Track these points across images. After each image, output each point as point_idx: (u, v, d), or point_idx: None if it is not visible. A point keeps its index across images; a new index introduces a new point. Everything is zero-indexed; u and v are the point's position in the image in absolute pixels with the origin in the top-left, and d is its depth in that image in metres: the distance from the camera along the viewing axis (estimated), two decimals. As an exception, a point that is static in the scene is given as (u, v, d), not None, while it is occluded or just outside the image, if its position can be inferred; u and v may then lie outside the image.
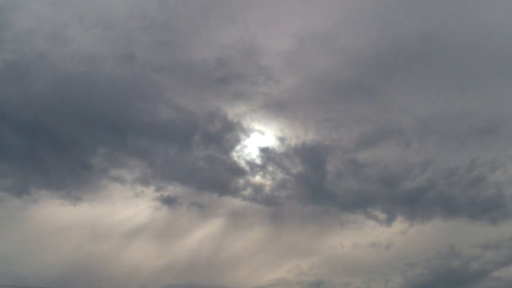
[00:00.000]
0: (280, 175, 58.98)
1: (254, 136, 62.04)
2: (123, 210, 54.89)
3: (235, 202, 58.45)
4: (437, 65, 61.46)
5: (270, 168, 59.53)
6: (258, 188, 58.33)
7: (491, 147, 58.34)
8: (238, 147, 60.83)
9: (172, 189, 57.01)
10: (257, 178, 59.36)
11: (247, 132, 61.00)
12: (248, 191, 58.09)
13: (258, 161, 60.85)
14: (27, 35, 50.67)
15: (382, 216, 56.80)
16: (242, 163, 60.06)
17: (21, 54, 50.09)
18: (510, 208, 54.99)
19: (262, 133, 62.21)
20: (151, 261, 50.48)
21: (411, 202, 56.66)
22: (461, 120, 58.47)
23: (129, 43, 55.36)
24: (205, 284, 52.76)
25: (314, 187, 58.50)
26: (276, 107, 63.25)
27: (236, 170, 57.87)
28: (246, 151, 63.10)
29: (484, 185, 56.03)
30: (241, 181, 58.95)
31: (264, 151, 61.04)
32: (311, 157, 59.18)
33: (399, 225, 56.41)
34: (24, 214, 51.73)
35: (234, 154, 59.00)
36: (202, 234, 56.09)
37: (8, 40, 50.10)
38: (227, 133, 58.76)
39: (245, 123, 60.68)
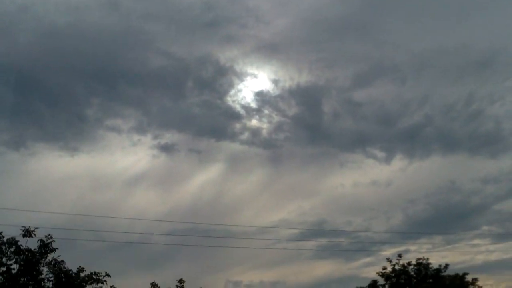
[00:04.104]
0: (276, 118, 58.75)
1: (247, 80, 61.66)
2: (122, 159, 54.81)
3: (233, 147, 58.34)
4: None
5: (266, 111, 59.20)
6: (255, 132, 58.18)
7: (489, 79, 58.03)
8: (232, 92, 60.33)
9: (169, 137, 56.86)
10: (254, 122, 59.16)
11: (240, 76, 60.37)
12: (245, 135, 57.91)
13: (254, 105, 60.50)
14: (7, -13, 49.38)
15: (381, 154, 56.74)
16: (238, 107, 59.65)
17: (3, 6, 48.75)
18: (510, 141, 54.87)
19: (255, 76, 61.68)
20: (153, 208, 50.59)
21: (410, 139, 56.53)
22: (457, 53, 57.87)
23: (112, -10, 54.06)
24: (208, 227, 53.10)
25: (312, 128, 58.45)
26: (268, 50, 62.49)
27: (232, 115, 57.53)
28: (240, 95, 62.68)
29: (482, 119, 55.74)
30: (237, 126, 58.70)
31: (259, 94, 60.58)
32: (306, 98, 58.86)
33: (399, 162, 56.41)
34: (23, 168, 51.45)
35: (229, 99, 58.53)
36: (202, 180, 56.18)
37: (-12, -6, 48.81)
38: (220, 78, 58.12)
39: (238, 67, 60.00)
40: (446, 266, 28.84)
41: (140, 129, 55.82)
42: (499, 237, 50.21)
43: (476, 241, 52.96)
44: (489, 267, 49.57)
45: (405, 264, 28.88)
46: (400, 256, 28.98)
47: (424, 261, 29.09)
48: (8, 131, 50.11)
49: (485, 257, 51.90)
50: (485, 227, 49.49)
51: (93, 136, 54.10)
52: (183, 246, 56.08)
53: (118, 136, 55.31)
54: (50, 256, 21.06)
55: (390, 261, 28.90)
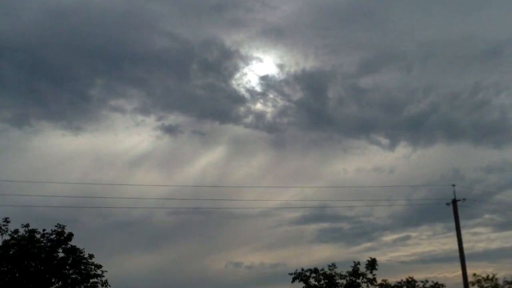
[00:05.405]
0: (281, 102, 58.80)
1: (253, 63, 61.61)
2: (125, 140, 54.94)
3: (237, 130, 58.53)
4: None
5: (271, 96, 59.25)
6: (259, 116, 58.27)
7: (495, 69, 58.04)
8: (237, 75, 60.36)
9: (173, 118, 57.04)
10: (258, 106, 59.28)
11: (245, 59, 60.31)
12: (249, 119, 58.06)
13: (258, 89, 60.60)
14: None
15: (385, 141, 56.76)
16: (242, 91, 59.71)
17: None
18: (515, 131, 55.07)
19: (261, 60, 61.60)
20: (156, 188, 50.54)
21: (414, 127, 56.44)
22: (464, 43, 57.67)
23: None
24: (210, 209, 53.28)
25: (316, 113, 58.45)
26: (274, 34, 62.34)
27: (237, 98, 57.63)
28: (245, 78, 62.63)
29: (488, 109, 55.74)
30: (242, 109, 58.80)
31: (264, 78, 60.50)
32: (311, 83, 58.81)
33: (402, 149, 56.43)
34: (26, 145, 51.51)
35: (234, 82, 58.62)
36: (205, 162, 56.31)
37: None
38: (225, 61, 58.09)
39: (243, 50, 59.91)
40: None
41: (144, 110, 55.96)
42: (501, 226, 50.32)
43: (477, 229, 53.04)
44: (490, 255, 49.64)
45: None
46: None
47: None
48: (11, 109, 50.13)
49: (486, 245, 52.12)
50: (487, 216, 49.49)
51: (97, 116, 54.19)
52: (186, 226, 56.49)
53: (121, 117, 55.46)
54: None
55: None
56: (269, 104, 58.89)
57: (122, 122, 55.23)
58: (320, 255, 54.42)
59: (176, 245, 51.31)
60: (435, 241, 53.75)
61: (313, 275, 24.13)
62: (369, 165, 54.95)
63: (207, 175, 57.47)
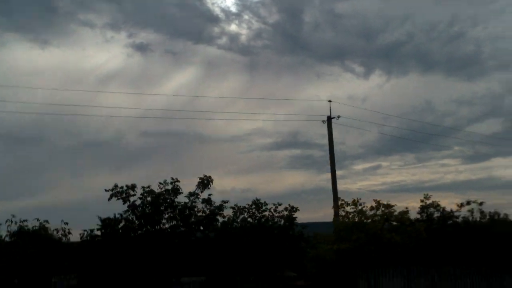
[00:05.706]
0: (256, 24, 58.67)
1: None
2: (95, 56, 54.99)
3: (210, 51, 58.71)
4: None
5: (246, 17, 59.12)
6: (233, 37, 58.38)
7: (474, 1, 56.80)
8: (212, -7, 60.04)
9: (144, 36, 56.96)
10: (233, 27, 59.19)
11: (220, -23, 59.70)
12: (223, 40, 58.19)
13: (234, 9, 60.55)
14: None
15: (359, 69, 56.80)
16: (217, 11, 59.78)
17: None
18: (487, 65, 54.53)
19: (236, -22, 60.38)
20: (126, 108, 51.85)
21: (389, 56, 56.35)
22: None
23: None
24: (181, 131, 55.23)
25: (291, 37, 58.28)
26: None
27: (211, 18, 57.35)
28: (220, -3, 62.62)
29: (463, 41, 55.14)
30: (216, 29, 58.88)
31: (240, -3, 60.38)
32: (288, 6, 58.28)
33: (377, 78, 56.49)
34: (-9, 57, 52.43)
35: (208, 1, 58.36)
36: (176, 82, 56.91)
37: None
38: (199, -22, 57.15)
39: (218, -32, 58.88)
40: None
41: (115, 26, 55.89)
42: (470, 158, 50.90)
43: (446, 161, 53.54)
44: (457, 187, 50.54)
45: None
46: None
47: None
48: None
49: (454, 177, 53.05)
50: (456, 148, 50.21)
51: (65, 30, 54.30)
52: (156, 148, 58.35)
53: (90, 31, 55.49)
54: None
55: None
56: (244, 25, 58.99)
57: (91, 37, 55.26)
58: (290, 181, 56.08)
59: (146, 167, 53.35)
60: (405, 171, 54.86)
61: (131, 192, 20.44)
62: (343, 92, 55.40)
63: (178, 96, 58.86)
